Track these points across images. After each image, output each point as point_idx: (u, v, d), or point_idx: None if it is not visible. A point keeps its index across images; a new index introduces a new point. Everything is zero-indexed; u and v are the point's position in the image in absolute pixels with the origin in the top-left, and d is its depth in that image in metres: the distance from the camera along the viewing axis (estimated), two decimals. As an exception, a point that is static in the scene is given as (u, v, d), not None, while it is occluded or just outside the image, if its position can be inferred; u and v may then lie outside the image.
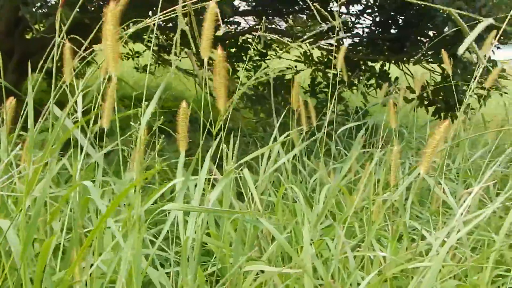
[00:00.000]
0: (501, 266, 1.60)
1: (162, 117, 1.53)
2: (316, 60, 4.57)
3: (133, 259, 1.06)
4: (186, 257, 1.18)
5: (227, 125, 1.30)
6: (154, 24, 1.45)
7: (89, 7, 3.23)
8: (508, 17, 1.72)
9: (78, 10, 1.42)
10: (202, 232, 1.22)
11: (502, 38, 3.59)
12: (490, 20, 1.30)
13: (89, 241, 1.09)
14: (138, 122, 1.25)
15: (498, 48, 3.79)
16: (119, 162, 1.40)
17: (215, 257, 1.49)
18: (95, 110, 1.40)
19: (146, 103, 1.27)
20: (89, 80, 1.49)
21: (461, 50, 1.16)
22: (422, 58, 3.92)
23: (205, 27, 1.11)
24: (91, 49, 1.49)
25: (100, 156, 1.50)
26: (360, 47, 4.22)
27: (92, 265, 1.21)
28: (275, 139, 1.77)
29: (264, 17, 2.21)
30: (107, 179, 1.74)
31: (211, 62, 1.16)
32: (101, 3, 3.02)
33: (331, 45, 4.46)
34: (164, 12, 1.41)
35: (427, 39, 3.94)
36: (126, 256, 1.03)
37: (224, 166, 1.39)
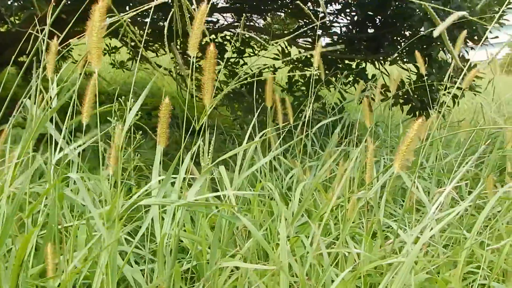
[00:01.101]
0: (472, 263, 1.63)
1: (139, 113, 1.52)
2: (294, 58, 4.59)
3: (109, 257, 1.05)
4: (162, 254, 1.17)
5: (205, 123, 1.30)
6: (129, 19, 1.44)
7: (66, 1, 3.18)
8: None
9: (54, 4, 1.40)
10: (179, 228, 1.21)
11: (475, 38, 3.66)
12: (463, 13, 1.33)
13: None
14: (116, 118, 1.24)
15: (472, 49, 3.86)
16: (95, 159, 1.40)
17: (190, 254, 1.49)
18: (71, 105, 1.38)
19: (130, 100, 1.26)
20: (64, 74, 1.47)
21: (436, 32, 1.19)
22: (398, 58, 3.97)
23: (195, 25, 1.13)
24: (67, 43, 1.48)
25: (75, 152, 1.48)
26: (338, 46, 4.25)
27: (67, 260, 1.20)
28: (250, 137, 1.77)
29: (241, 14, 2.21)
30: (82, 175, 1.72)
31: (189, 59, 1.16)
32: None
33: (309, 43, 4.49)
34: (140, 8, 1.40)
35: (404, 39, 3.99)
36: (106, 253, 1.02)
37: (201, 163, 1.39)
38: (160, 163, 1.36)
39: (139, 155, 2.54)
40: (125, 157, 1.78)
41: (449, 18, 1.14)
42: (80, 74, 1.33)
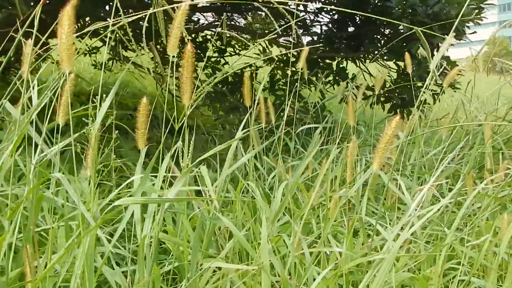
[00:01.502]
0: (453, 259, 1.65)
1: (115, 113, 1.50)
2: (275, 57, 4.59)
3: (86, 258, 1.04)
4: (143, 255, 1.17)
5: (185, 122, 1.29)
6: (108, 19, 1.43)
7: (45, 1, 3.14)
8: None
9: (32, 4, 1.38)
10: (159, 229, 1.21)
11: (455, 35, 3.69)
12: (451, 37, 1.34)
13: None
14: (92, 118, 1.23)
15: (452, 45, 3.90)
16: (74, 160, 1.38)
17: (172, 255, 1.48)
18: (50, 106, 1.37)
19: (99, 100, 1.25)
20: (44, 75, 1.45)
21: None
22: (378, 55, 3.99)
23: (175, 25, 1.12)
24: (47, 44, 1.46)
25: (55, 154, 1.46)
26: (318, 45, 4.26)
27: (46, 263, 1.18)
28: (232, 137, 1.77)
29: (220, 13, 2.21)
30: (59, 175, 1.70)
31: (169, 58, 1.15)
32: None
33: (290, 42, 4.49)
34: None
35: (383, 37, 4.02)
36: (82, 254, 1.01)
37: (181, 164, 1.38)
38: (141, 164, 1.35)
39: (120, 155, 2.53)
40: (103, 157, 1.76)
41: (444, 43, 1.15)
42: (59, 74, 1.31)
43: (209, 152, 1.27)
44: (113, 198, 1.15)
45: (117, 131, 1.60)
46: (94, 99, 1.37)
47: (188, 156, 1.31)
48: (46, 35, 1.40)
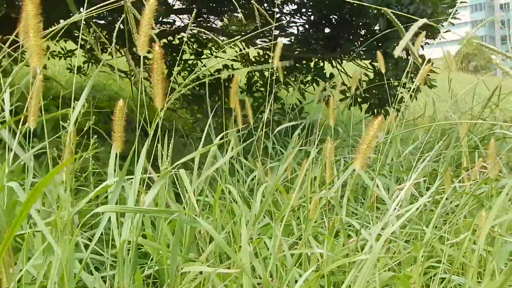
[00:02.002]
0: (433, 257, 1.66)
1: (94, 117, 1.48)
2: (253, 59, 4.59)
3: (65, 263, 1.02)
4: (122, 260, 1.15)
5: (160, 125, 1.28)
6: (84, 21, 1.41)
7: (16, 2, 3.10)
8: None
9: (5, 5, 1.36)
10: (138, 234, 1.19)
11: (429, 34, 3.74)
12: (423, 20, 1.34)
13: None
14: (67, 122, 1.20)
15: (427, 43, 3.94)
16: (50, 164, 1.35)
17: (152, 259, 1.46)
18: (25, 109, 1.34)
19: (76, 103, 1.22)
20: (17, 77, 1.42)
21: (397, 52, 1.19)
22: (355, 55, 4.01)
23: (143, 22, 1.08)
24: (18, 45, 1.43)
25: (29, 157, 1.43)
26: (295, 46, 4.27)
27: (21, 270, 1.15)
28: (210, 140, 1.75)
29: (198, 15, 2.19)
30: (37, 181, 1.67)
31: (147, 61, 1.13)
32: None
33: (267, 44, 4.49)
34: (95, 7, 1.36)
35: (360, 37, 4.04)
36: (57, 260, 0.98)
37: (160, 167, 1.36)
38: (115, 167, 1.33)
39: (96, 160, 2.49)
40: (80, 159, 1.73)
41: (411, 29, 1.15)
42: (33, 76, 1.28)
43: (188, 156, 1.25)
44: (88, 204, 1.13)
45: (95, 136, 1.58)
46: (70, 103, 1.35)
47: (167, 159, 1.29)
48: (15, 33, 1.37)
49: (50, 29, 1.34)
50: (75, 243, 1.42)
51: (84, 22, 1.61)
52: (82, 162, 1.86)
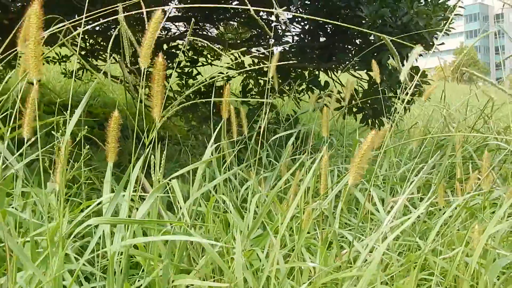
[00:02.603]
0: (425, 269, 1.65)
1: (86, 126, 1.46)
2: (248, 67, 4.59)
3: (55, 276, 1.01)
4: (112, 272, 1.13)
5: (156, 134, 1.27)
6: (79, 27, 1.40)
7: (11, 8, 3.09)
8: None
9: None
10: (129, 245, 1.18)
11: (423, 45, 3.75)
12: (420, 49, 1.35)
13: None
14: (60, 131, 1.19)
15: (421, 55, 3.96)
16: (41, 173, 1.34)
17: (143, 270, 1.45)
18: (17, 116, 1.33)
19: (68, 112, 1.21)
20: (11, 82, 1.42)
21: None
22: (349, 65, 4.02)
23: (148, 35, 1.08)
24: (12, 51, 1.42)
25: (21, 166, 1.42)
26: (290, 55, 4.28)
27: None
28: (205, 148, 1.74)
29: (194, 23, 2.18)
30: (28, 190, 1.66)
31: (142, 70, 1.12)
32: (25, 3, 2.90)
33: (262, 52, 4.50)
34: (90, 14, 1.36)
35: (354, 47, 4.05)
36: (48, 272, 0.97)
37: (153, 178, 1.35)
38: (112, 175, 1.32)
39: (90, 167, 2.47)
40: (74, 169, 1.72)
41: (412, 54, 1.15)
42: (28, 83, 1.27)
43: (183, 170, 1.24)
44: (80, 221, 1.12)
45: (89, 145, 1.57)
46: (64, 111, 1.33)
47: (160, 170, 1.29)
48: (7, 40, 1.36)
49: (50, 31, 1.33)
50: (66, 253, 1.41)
51: (77, 28, 1.61)
52: (75, 171, 1.85)
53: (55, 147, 1.23)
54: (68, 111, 1.30)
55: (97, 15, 1.39)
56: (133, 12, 1.30)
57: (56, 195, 1.31)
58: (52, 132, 1.28)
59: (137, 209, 1.25)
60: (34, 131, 1.26)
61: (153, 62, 1.09)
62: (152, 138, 1.18)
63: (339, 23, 1.34)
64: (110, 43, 1.38)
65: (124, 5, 1.48)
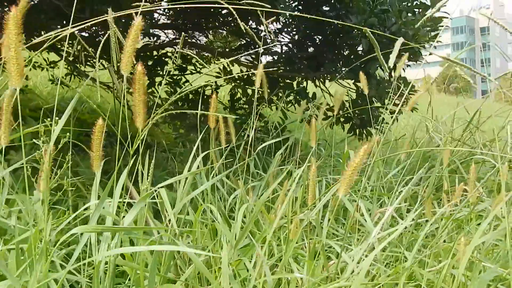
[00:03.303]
0: (412, 281, 1.65)
1: (68, 133, 1.45)
2: (236, 76, 4.59)
3: (38, 286, 0.99)
4: (97, 282, 1.12)
5: (144, 141, 1.26)
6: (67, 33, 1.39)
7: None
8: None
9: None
10: (116, 255, 1.16)
11: (411, 56, 3.79)
12: (400, 40, 1.36)
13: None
14: (42, 139, 1.17)
15: (408, 66, 3.99)
16: (26, 180, 1.32)
17: (130, 279, 1.43)
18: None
19: (56, 118, 1.19)
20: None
21: (390, 63, 1.19)
22: (337, 75, 4.04)
23: (128, 42, 1.05)
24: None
25: (7, 172, 1.41)
26: (279, 65, 4.29)
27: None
28: (193, 156, 1.74)
29: (184, 31, 2.18)
30: (13, 197, 1.64)
31: (130, 76, 1.10)
32: (5, 9, 2.88)
33: (251, 61, 4.51)
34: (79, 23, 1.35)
35: (343, 58, 4.07)
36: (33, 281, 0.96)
37: (140, 187, 1.34)
38: (97, 185, 1.31)
39: (76, 174, 2.45)
40: (57, 176, 1.70)
41: (396, 44, 1.16)
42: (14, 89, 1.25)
43: (170, 180, 1.24)
44: (65, 225, 1.11)
45: (76, 151, 1.55)
46: (45, 119, 1.32)
47: (147, 179, 1.28)
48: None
49: (37, 40, 1.32)
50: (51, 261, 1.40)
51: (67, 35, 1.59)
52: (59, 177, 1.83)
53: (37, 155, 1.21)
54: (54, 117, 1.28)
55: (85, 23, 1.38)
56: (121, 13, 1.29)
57: (41, 203, 1.29)
58: (34, 140, 1.27)
59: (124, 217, 1.24)
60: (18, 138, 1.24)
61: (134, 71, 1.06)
62: (137, 146, 1.17)
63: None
64: (99, 49, 1.37)
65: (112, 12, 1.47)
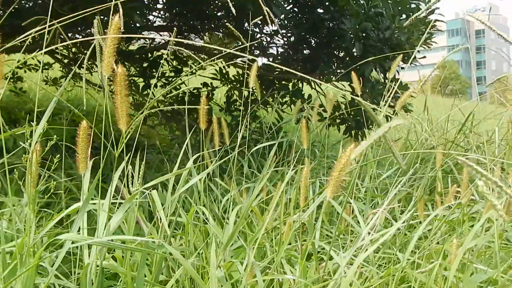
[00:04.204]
0: (404, 282, 1.66)
1: (56, 135, 1.44)
2: (232, 78, 4.59)
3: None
4: (85, 285, 1.12)
5: (137, 143, 1.26)
6: (61, 36, 1.39)
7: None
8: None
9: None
10: (103, 256, 1.16)
11: (406, 58, 3.80)
12: (400, 61, 1.36)
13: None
14: (29, 141, 1.16)
15: (402, 68, 4.00)
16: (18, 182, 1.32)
17: (121, 281, 1.43)
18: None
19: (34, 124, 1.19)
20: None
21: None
22: (332, 77, 4.04)
23: (107, 43, 1.02)
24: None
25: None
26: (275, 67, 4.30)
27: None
28: (187, 158, 1.74)
29: (179, 34, 2.18)
30: (2, 200, 1.64)
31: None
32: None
33: (247, 63, 4.51)
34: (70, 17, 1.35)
35: (337, 60, 4.08)
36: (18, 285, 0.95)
37: (130, 188, 1.34)
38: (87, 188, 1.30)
39: (70, 176, 2.45)
40: (44, 179, 1.69)
41: (393, 64, 1.16)
42: (11, 91, 1.25)
43: (159, 179, 1.23)
44: (55, 232, 1.10)
45: (69, 153, 1.55)
46: (31, 122, 1.30)
47: (138, 180, 1.27)
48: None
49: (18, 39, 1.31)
50: (40, 265, 1.39)
51: (61, 36, 1.59)
52: (54, 179, 1.83)
53: (23, 158, 1.20)
54: (35, 121, 1.27)
55: (66, 19, 1.37)
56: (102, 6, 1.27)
57: (28, 206, 1.28)
58: (20, 142, 1.26)
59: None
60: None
61: (115, 73, 1.04)
62: (130, 148, 1.17)
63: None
64: (89, 51, 1.36)
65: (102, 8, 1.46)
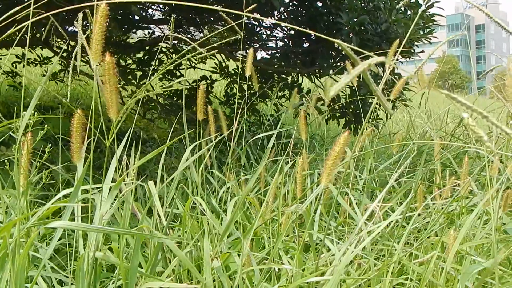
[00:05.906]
0: (402, 274, 1.65)
1: (46, 126, 1.43)
2: (232, 71, 4.59)
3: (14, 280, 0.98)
4: (79, 276, 1.11)
5: (139, 134, 1.25)
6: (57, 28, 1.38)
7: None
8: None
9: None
10: (99, 247, 1.15)
11: (403, 53, 3.80)
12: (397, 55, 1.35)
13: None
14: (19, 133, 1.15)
15: (401, 63, 4.00)
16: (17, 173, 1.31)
17: (117, 273, 1.43)
18: None
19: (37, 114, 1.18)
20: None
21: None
22: (330, 70, 4.03)
23: (95, 30, 1.00)
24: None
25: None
26: (275, 60, 4.29)
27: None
28: (183, 150, 1.73)
29: (179, 27, 2.17)
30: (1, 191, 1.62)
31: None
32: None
33: (245, 57, 4.50)
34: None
35: (337, 53, 4.06)
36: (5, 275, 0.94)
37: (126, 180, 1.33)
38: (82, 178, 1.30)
39: (67, 168, 2.45)
40: (35, 170, 1.69)
41: (389, 56, 1.15)
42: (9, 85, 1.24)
43: (141, 160, 1.21)
44: (46, 221, 1.09)
45: (49, 145, 1.54)
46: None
47: (133, 170, 1.27)
48: None
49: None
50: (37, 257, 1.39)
51: (60, 30, 1.58)
52: (52, 172, 1.82)
53: (13, 149, 1.19)
54: (21, 111, 1.26)
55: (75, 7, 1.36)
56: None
57: (18, 196, 1.28)
58: (10, 133, 1.25)
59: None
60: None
61: (103, 60, 1.01)
62: (130, 137, 1.16)
63: (318, 34, 1.33)
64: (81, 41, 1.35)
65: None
